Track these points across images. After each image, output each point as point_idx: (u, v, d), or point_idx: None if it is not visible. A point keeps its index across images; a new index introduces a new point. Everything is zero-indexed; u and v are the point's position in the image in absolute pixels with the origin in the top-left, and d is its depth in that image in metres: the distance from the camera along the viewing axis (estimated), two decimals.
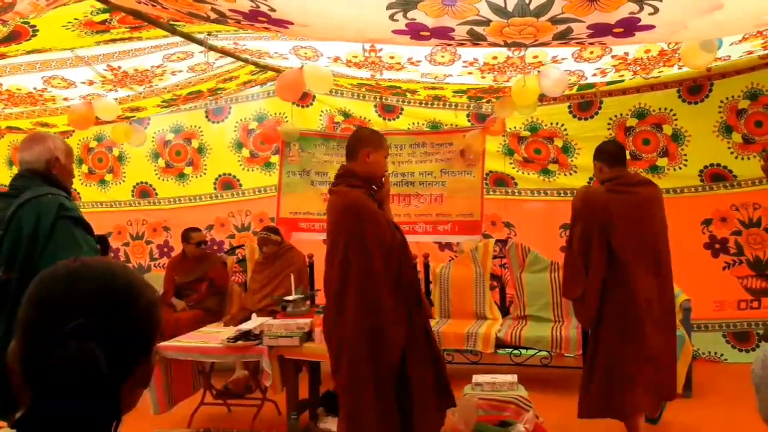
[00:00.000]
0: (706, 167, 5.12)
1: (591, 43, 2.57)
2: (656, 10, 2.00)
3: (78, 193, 6.62)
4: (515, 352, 4.84)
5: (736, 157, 5.01)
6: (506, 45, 2.45)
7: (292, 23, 2.39)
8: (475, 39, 2.31)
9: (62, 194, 2.37)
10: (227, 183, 6.22)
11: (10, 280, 2.19)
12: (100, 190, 6.55)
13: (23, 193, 2.30)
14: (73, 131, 6.30)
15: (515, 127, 5.48)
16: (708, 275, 5.12)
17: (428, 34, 2.28)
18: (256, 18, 2.34)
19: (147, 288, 0.93)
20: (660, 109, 5.18)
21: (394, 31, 2.28)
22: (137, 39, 3.51)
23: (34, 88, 4.36)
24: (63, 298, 0.85)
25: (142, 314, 0.90)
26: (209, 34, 3.55)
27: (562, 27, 2.17)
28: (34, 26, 2.94)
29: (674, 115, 5.15)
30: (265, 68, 4.58)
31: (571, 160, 5.44)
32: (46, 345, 0.82)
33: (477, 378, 3.93)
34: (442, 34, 2.27)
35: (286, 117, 5.91)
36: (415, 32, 2.27)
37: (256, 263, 5.31)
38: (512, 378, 3.89)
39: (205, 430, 3.98)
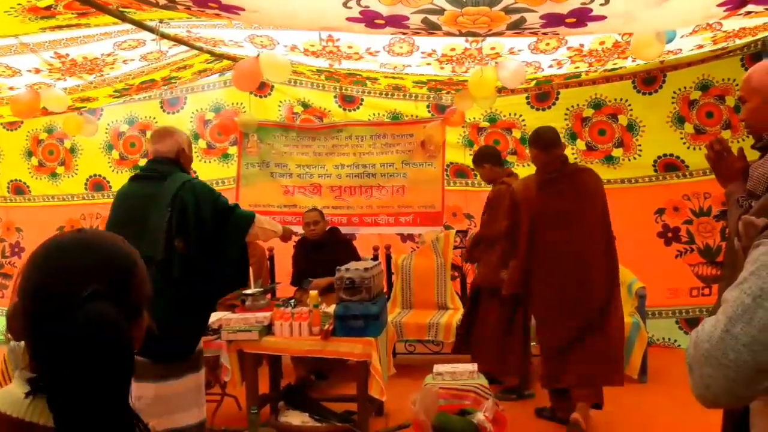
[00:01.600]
0: (659, 157, 5.23)
1: (544, 33, 2.58)
2: (607, 0, 2.02)
3: (27, 187, 6.41)
4: None
5: (688, 148, 5.14)
6: (461, 34, 2.44)
7: (243, 9, 2.34)
8: (430, 28, 2.30)
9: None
10: None
11: (187, 250, 2.68)
12: (51, 183, 6.35)
13: (168, 176, 2.77)
14: (21, 122, 6.09)
15: (475, 118, 5.51)
16: (661, 263, 5.25)
17: (383, 22, 2.26)
18: (206, 4, 2.28)
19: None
20: (616, 99, 5.27)
21: (348, 19, 2.25)
22: (85, 26, 3.39)
23: None
24: (77, 266, 0.94)
25: (140, 279, 1.01)
26: (161, 21, 3.46)
27: (515, 17, 2.17)
28: None
29: (629, 105, 5.25)
30: (220, 57, 4.49)
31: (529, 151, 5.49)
32: (62, 309, 0.90)
33: (438, 368, 3.94)
34: (397, 22, 2.25)
35: (243, 107, 5.81)
36: (370, 20, 2.25)
37: None
38: (472, 367, 3.92)
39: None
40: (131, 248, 1.04)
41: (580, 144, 5.39)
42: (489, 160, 4.53)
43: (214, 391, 4.11)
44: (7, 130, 6.31)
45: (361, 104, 5.75)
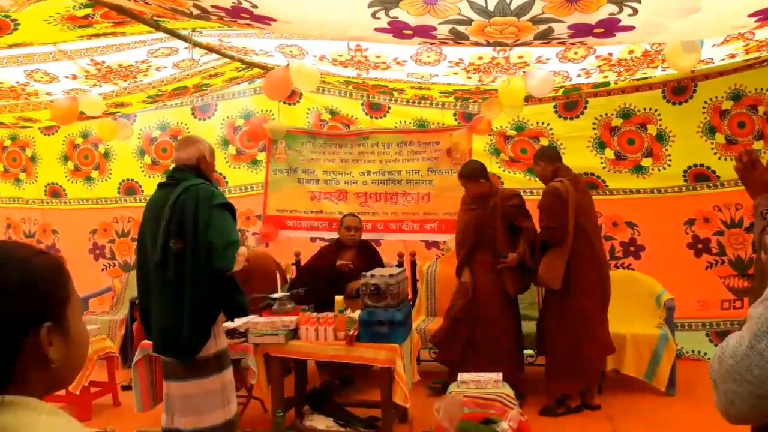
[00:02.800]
0: (689, 167, 5.16)
1: (572, 44, 2.58)
2: (635, 11, 2.02)
3: (64, 190, 6.58)
4: None
5: (719, 158, 5.06)
6: (488, 44, 2.46)
7: (274, 20, 2.39)
8: (458, 38, 2.33)
9: (211, 185, 3.02)
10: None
11: (184, 251, 2.82)
12: (86, 186, 6.51)
13: (181, 183, 2.93)
14: (58, 127, 6.26)
15: (501, 127, 5.51)
16: (691, 275, 5.17)
17: (411, 32, 2.29)
18: (238, 14, 2.34)
19: (24, 263, 0.93)
20: (645, 109, 5.22)
21: (377, 29, 2.29)
22: (121, 34, 3.49)
23: (17, 82, 4.33)
24: None
25: (10, 290, 0.89)
26: (194, 30, 3.54)
27: (543, 27, 2.18)
28: (15, 20, 2.92)
29: (659, 115, 5.19)
30: (251, 65, 4.57)
31: None
32: None
33: (462, 376, 3.94)
34: (425, 32, 2.28)
35: (272, 114, 5.90)
36: (398, 30, 2.28)
37: None
38: (497, 376, 3.91)
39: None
40: (10, 257, 0.94)
41: (609, 153, 5.35)
42: (543, 158, 4.39)
43: (241, 394, 4.16)
44: (44, 134, 6.51)
45: (387, 112, 5.79)
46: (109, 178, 6.44)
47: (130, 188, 6.41)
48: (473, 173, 4.41)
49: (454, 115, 5.65)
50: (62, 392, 4.31)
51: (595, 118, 5.35)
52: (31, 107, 5.06)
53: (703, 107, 5.07)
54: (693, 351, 5.20)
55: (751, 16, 2.24)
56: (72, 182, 6.56)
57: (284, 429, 3.63)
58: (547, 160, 4.34)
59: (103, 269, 6.52)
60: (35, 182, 6.67)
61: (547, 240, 4.13)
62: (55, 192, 6.63)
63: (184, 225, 2.85)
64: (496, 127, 5.47)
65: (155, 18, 3.16)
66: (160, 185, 3.14)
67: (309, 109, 5.92)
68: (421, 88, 4.81)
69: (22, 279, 0.91)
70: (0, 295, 0.89)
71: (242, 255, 2.90)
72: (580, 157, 5.40)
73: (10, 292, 0.90)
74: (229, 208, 2.98)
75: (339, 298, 3.89)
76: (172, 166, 3.25)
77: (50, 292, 0.94)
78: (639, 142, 5.29)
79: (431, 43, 2.72)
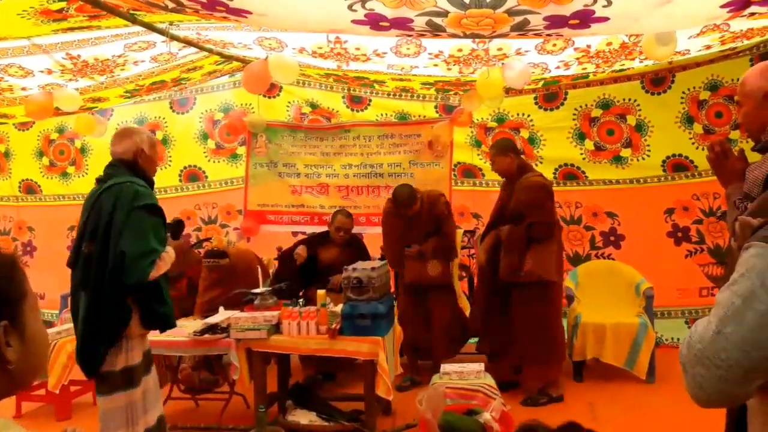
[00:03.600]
0: (668, 157, 5.21)
1: (549, 35, 2.59)
2: (609, 2, 2.03)
3: (39, 186, 6.48)
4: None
5: (697, 148, 5.12)
6: (465, 36, 2.46)
7: (250, 12, 2.37)
8: (435, 30, 2.32)
9: (140, 183, 2.72)
10: (193, 175, 6.14)
11: (92, 253, 2.59)
12: (62, 182, 6.42)
13: (111, 179, 2.71)
14: (33, 122, 6.16)
15: (482, 119, 5.52)
16: (671, 263, 5.23)
17: (388, 24, 2.28)
18: (214, 7, 2.31)
19: None
20: (624, 99, 5.26)
21: (354, 21, 2.28)
22: (96, 28, 3.43)
23: None
24: None
25: None
26: (171, 23, 3.49)
27: (518, 18, 2.18)
28: None
29: (638, 105, 5.24)
30: (230, 58, 4.53)
31: (537, 151, 5.50)
32: None
33: (445, 367, 3.96)
34: (402, 24, 2.27)
35: (252, 108, 5.85)
36: (375, 23, 2.27)
37: (204, 284, 4.81)
38: (479, 366, 3.93)
39: (172, 426, 3.93)
40: None
41: (589, 144, 5.39)
42: (511, 151, 4.36)
43: (223, 389, 4.15)
44: (19, 130, 6.39)
45: (368, 105, 5.77)
46: (86, 173, 6.34)
47: None
48: (503, 145, 4.41)
49: (435, 107, 5.65)
50: (42, 391, 4.26)
51: (575, 109, 5.38)
52: (5, 103, 4.97)
53: (681, 98, 5.12)
54: (672, 338, 5.27)
55: (723, 6, 2.26)
56: (47, 178, 6.45)
57: (267, 424, 3.60)
58: (514, 154, 4.35)
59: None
60: (9, 178, 6.54)
61: (540, 235, 4.10)
62: (29, 188, 6.52)
63: (98, 228, 2.61)
64: (477, 119, 5.48)
65: (131, 12, 3.11)
66: (97, 180, 2.87)
67: (289, 102, 5.89)
68: (402, 80, 4.80)
69: None
70: None
71: (165, 260, 2.69)
72: (560, 148, 5.43)
73: None
74: (154, 211, 2.73)
75: (321, 292, 3.89)
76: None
77: (3, 291, 0.90)
78: (618, 132, 5.33)
79: (408, 35, 2.72)
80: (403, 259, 4.60)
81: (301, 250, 4.74)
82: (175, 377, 4.20)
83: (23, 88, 4.56)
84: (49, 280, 6.41)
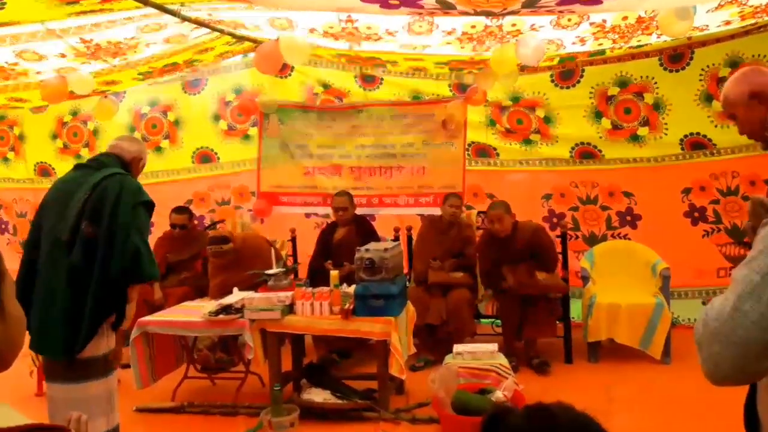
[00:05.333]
0: (686, 136, 5.12)
1: (560, 11, 2.53)
2: None
3: (53, 169, 6.53)
4: (497, 321, 4.88)
5: (716, 126, 5.01)
6: (476, 13, 2.41)
7: None
8: (445, 7, 2.28)
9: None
10: (205, 156, 6.14)
11: (96, 236, 2.62)
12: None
13: (104, 168, 2.78)
14: (47, 105, 6.19)
15: (497, 97, 5.44)
16: (688, 243, 5.16)
17: (397, 2, 2.24)
18: None
19: None
20: (642, 77, 5.15)
21: (364, 0, 2.24)
22: (109, 11, 3.43)
23: (6, 62, 4.27)
24: None
25: None
26: (183, 4, 3.48)
27: None
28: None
29: (656, 83, 5.13)
30: (241, 39, 4.50)
31: (553, 130, 5.43)
32: None
33: (458, 347, 3.98)
34: (412, 2, 2.23)
35: (264, 88, 5.82)
36: (384, 1, 2.23)
37: (211, 269, 4.76)
38: (492, 347, 3.94)
39: (189, 404, 4.00)
40: None
41: (605, 123, 5.30)
42: (509, 211, 4.68)
43: (238, 369, 4.20)
44: (33, 113, 6.43)
45: (381, 84, 5.71)
46: None
47: None
48: (507, 205, 4.72)
49: (449, 86, 5.58)
50: None
51: (592, 87, 5.29)
52: (21, 87, 5.00)
53: (700, 75, 5.01)
54: (689, 319, 5.22)
55: None
56: (61, 160, 6.49)
57: (282, 402, 3.64)
58: (510, 213, 4.64)
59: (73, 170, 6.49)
60: (24, 161, 6.61)
61: (554, 269, 4.67)
62: (44, 170, 6.57)
63: (101, 210, 2.65)
64: (492, 98, 5.41)
65: None
66: (78, 166, 2.96)
67: (301, 82, 5.85)
68: (414, 60, 4.75)
69: None
70: None
71: None
72: (576, 127, 5.36)
73: None
74: (150, 210, 2.86)
75: (334, 273, 3.90)
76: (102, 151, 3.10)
77: None
78: (636, 110, 5.24)
79: (419, 13, 2.67)
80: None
81: (329, 265, 4.74)
82: (191, 357, 4.25)
83: (38, 72, 4.58)
84: None
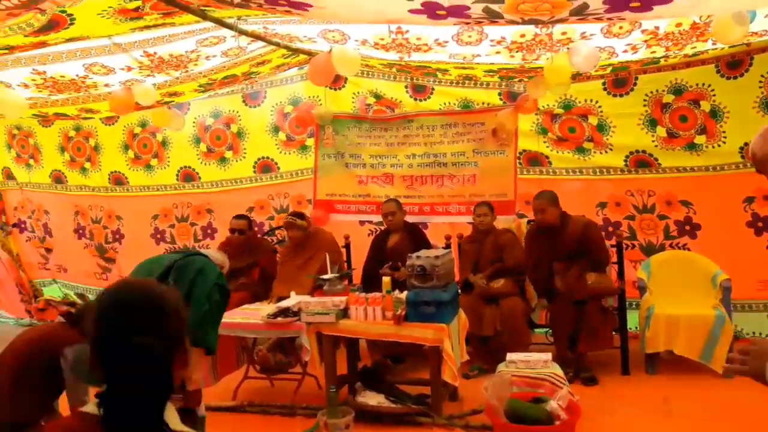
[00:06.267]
0: (746, 144, 4.96)
1: (609, 19, 2.54)
2: None
3: (126, 178, 6.88)
4: (550, 331, 4.83)
5: None
6: (524, 22, 2.45)
7: (311, 5, 2.45)
8: (492, 17, 2.33)
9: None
10: (266, 166, 6.36)
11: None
12: (146, 174, 6.79)
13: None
14: (117, 117, 6.54)
15: (548, 105, 5.42)
16: (751, 254, 4.99)
17: (444, 13, 2.30)
18: (276, 1, 2.40)
19: (168, 297, 1.34)
20: (697, 84, 5.04)
21: (411, 11, 2.31)
22: (170, 25, 3.62)
23: (77, 75, 4.55)
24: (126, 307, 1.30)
25: (170, 315, 1.31)
26: (239, 18, 3.64)
27: (577, 3, 2.16)
28: (71, 15, 3.08)
29: (712, 90, 5.01)
30: (296, 51, 4.66)
31: (607, 138, 5.36)
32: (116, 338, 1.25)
33: (511, 356, 3.97)
34: (458, 12, 2.29)
35: (319, 100, 5.99)
36: (431, 11, 2.30)
37: (282, 252, 5.30)
38: (546, 356, 3.92)
39: (249, 403, 4.14)
40: (162, 291, 1.34)
41: (661, 131, 5.20)
42: (555, 202, 4.72)
43: (296, 371, 4.32)
44: (105, 125, 6.80)
45: (431, 94, 5.77)
46: (168, 165, 6.69)
47: (187, 175, 6.65)
48: (554, 196, 4.73)
49: (500, 94, 5.60)
50: None
51: (646, 95, 5.20)
52: (91, 99, 5.31)
53: (760, 81, 4.85)
54: (753, 332, 5.05)
55: None
56: (133, 170, 6.84)
57: (337, 404, 3.73)
58: (556, 204, 4.66)
59: (164, 252, 6.80)
60: (99, 171, 6.99)
61: (605, 267, 4.64)
62: (118, 180, 6.94)
63: (184, 275, 3.05)
64: (543, 106, 5.39)
65: (201, 7, 3.27)
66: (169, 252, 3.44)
67: (354, 93, 5.98)
68: (464, 68, 4.80)
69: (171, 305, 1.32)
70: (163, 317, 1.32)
71: None
72: (630, 135, 5.28)
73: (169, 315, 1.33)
74: (226, 295, 3.26)
75: (386, 279, 3.97)
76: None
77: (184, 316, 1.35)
78: (692, 118, 5.12)
79: (466, 23, 2.72)
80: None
81: (385, 269, 4.87)
82: (251, 358, 4.40)
83: (106, 85, 4.86)
84: (135, 265, 6.82)
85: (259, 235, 5.94)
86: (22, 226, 6.78)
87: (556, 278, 4.60)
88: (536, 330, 4.91)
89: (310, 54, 4.62)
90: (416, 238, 5.03)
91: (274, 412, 4.01)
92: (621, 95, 5.27)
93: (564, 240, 4.60)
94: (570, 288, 4.48)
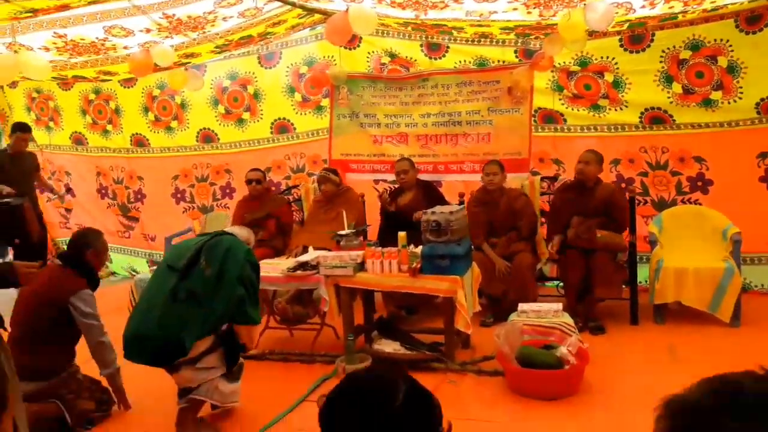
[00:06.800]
0: (762, 99, 4.97)
1: None
2: None
3: (147, 140, 7.02)
4: (561, 284, 4.95)
5: None
6: None
7: None
8: None
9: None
10: (282, 127, 6.45)
11: (207, 273, 3.08)
12: (167, 136, 6.92)
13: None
14: (136, 80, 6.64)
15: (564, 63, 5.43)
16: (762, 209, 5.04)
17: None
18: None
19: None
20: (715, 40, 5.02)
21: None
22: None
23: (96, 38, 4.64)
24: None
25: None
26: None
27: None
28: None
29: (730, 46, 4.99)
30: (311, 11, 4.69)
31: (622, 95, 5.38)
32: None
33: (522, 306, 4.10)
34: None
35: (334, 60, 6.03)
36: None
37: (314, 201, 5.55)
38: (557, 306, 4.04)
39: (270, 352, 4.32)
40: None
41: (676, 87, 5.21)
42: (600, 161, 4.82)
43: (314, 321, 4.49)
44: (124, 87, 6.91)
45: (447, 52, 5.79)
46: (187, 127, 6.81)
47: (207, 137, 6.77)
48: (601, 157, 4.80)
49: (515, 52, 5.60)
50: None
51: (663, 51, 5.19)
52: (109, 61, 5.40)
53: None
54: (762, 285, 5.14)
55: None
56: (154, 132, 6.98)
57: (355, 352, 3.91)
58: (600, 166, 4.76)
59: (183, 212, 6.99)
60: (121, 133, 7.14)
61: (622, 231, 4.71)
62: (139, 141, 7.08)
63: (214, 254, 3.15)
64: (559, 63, 5.40)
65: None
66: (199, 235, 3.72)
67: (369, 53, 6.01)
68: (480, 26, 4.81)
69: None
70: None
71: None
72: (646, 92, 5.30)
73: None
74: (257, 271, 3.38)
75: (402, 234, 4.09)
76: None
77: None
78: (708, 74, 5.12)
79: None
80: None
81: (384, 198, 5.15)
82: (271, 310, 4.57)
83: (125, 47, 4.94)
84: (156, 224, 7.03)
85: (273, 189, 6.08)
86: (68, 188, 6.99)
87: (569, 230, 4.68)
88: (547, 284, 5.03)
89: (326, 14, 4.66)
90: (430, 194, 5.13)
91: (294, 360, 4.19)
92: (637, 52, 5.27)
93: (591, 199, 4.67)
94: (579, 236, 4.57)
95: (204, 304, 3.04)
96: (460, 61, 5.74)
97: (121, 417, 3.49)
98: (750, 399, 0.75)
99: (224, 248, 3.16)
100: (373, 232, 5.28)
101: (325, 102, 6.12)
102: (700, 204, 5.27)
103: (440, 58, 5.81)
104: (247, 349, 3.56)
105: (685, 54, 5.14)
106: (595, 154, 4.77)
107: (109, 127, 7.19)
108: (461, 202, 5.26)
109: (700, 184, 5.30)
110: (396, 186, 5.47)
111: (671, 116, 5.28)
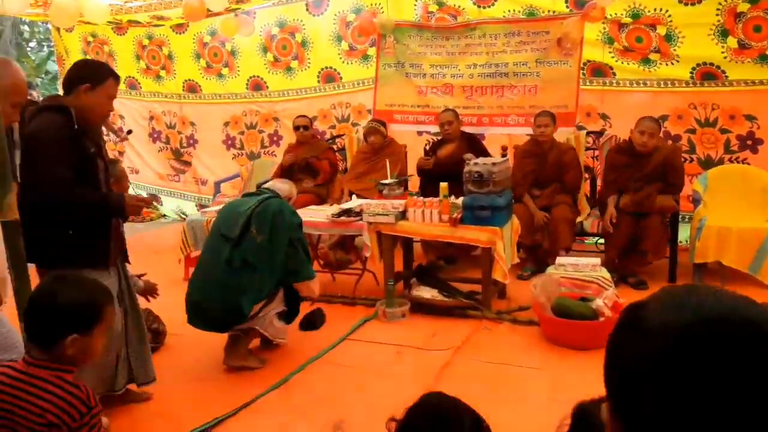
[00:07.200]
0: None
1: None
2: None
3: (199, 86, 7.19)
4: (601, 241, 4.99)
5: None
6: None
7: None
8: None
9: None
10: (329, 76, 6.52)
11: (262, 242, 3.28)
12: (218, 83, 7.09)
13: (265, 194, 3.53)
14: (187, 26, 6.76)
15: (616, 14, 5.30)
16: None
17: None
18: None
19: None
20: None
21: None
22: None
23: None
24: None
25: None
26: None
27: None
28: None
29: None
30: None
31: (674, 49, 5.25)
32: None
33: (560, 259, 4.17)
34: None
35: (381, 8, 6.01)
36: None
37: (358, 152, 5.68)
38: (595, 260, 4.10)
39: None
40: None
41: (732, 42, 5.05)
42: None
43: (356, 267, 4.68)
44: (176, 33, 7.06)
45: (495, 1, 5.65)
46: (238, 74, 6.95)
47: (256, 84, 6.90)
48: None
49: (566, 1, 5.47)
50: None
51: (719, 4, 5.01)
52: (163, 6, 5.53)
53: None
54: None
55: None
56: (206, 79, 7.15)
57: (394, 297, 4.08)
58: (659, 134, 4.62)
59: (233, 158, 7.21)
60: (174, 78, 7.33)
61: (677, 194, 4.65)
62: (191, 87, 7.27)
63: (264, 219, 3.31)
64: (610, 14, 5.28)
65: None
66: (245, 194, 3.79)
67: (417, 0, 5.96)
68: None
69: None
70: None
71: None
72: (699, 47, 5.15)
73: None
74: (300, 225, 3.57)
75: (443, 184, 4.17)
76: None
77: None
78: (766, 28, 4.94)
79: None
80: None
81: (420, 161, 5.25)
82: (315, 254, 4.77)
83: None
84: (207, 169, 7.28)
85: (318, 137, 6.18)
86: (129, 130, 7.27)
87: (624, 197, 4.61)
88: (586, 241, 5.07)
89: None
90: (473, 146, 5.17)
91: (336, 302, 4.40)
92: (693, 4, 5.10)
93: (647, 163, 4.58)
94: (640, 203, 4.52)
95: (259, 270, 3.26)
96: (509, 11, 5.66)
97: (174, 347, 3.76)
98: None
99: (271, 214, 3.33)
100: (414, 184, 5.38)
101: (372, 51, 6.14)
102: (749, 164, 5.18)
103: (489, 6, 5.73)
104: (312, 301, 3.83)
105: (743, 6, 4.96)
106: (657, 123, 4.64)
107: (162, 73, 7.38)
108: (504, 155, 5.31)
109: (749, 143, 5.20)
110: (439, 138, 5.52)
111: (724, 72, 5.15)
